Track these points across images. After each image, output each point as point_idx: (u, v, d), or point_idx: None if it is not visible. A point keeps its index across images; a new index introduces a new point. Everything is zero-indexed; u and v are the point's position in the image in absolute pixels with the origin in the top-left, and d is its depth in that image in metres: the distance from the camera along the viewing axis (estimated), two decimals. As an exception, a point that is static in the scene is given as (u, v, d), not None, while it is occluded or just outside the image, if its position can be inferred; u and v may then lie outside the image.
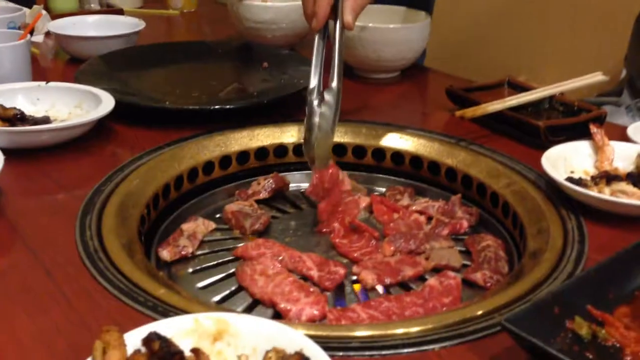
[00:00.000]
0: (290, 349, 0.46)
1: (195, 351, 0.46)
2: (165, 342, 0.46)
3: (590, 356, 0.50)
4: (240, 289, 0.69)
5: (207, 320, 0.50)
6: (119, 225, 0.70)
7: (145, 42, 1.26)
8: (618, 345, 0.51)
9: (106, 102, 0.91)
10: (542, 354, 0.48)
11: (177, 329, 0.48)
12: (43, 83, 0.98)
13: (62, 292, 0.58)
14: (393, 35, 1.13)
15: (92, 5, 1.57)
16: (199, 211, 0.85)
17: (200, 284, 0.71)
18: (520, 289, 0.60)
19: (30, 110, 0.93)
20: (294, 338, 0.48)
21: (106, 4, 1.61)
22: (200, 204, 0.87)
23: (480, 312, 0.57)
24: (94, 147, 0.88)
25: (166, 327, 0.48)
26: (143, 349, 0.46)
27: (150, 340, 0.46)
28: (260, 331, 0.49)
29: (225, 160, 0.90)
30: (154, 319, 0.53)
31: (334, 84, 0.82)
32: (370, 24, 1.13)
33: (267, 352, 0.46)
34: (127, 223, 0.71)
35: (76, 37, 1.25)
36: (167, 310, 0.56)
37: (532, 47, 0.99)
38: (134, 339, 0.47)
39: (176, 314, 0.55)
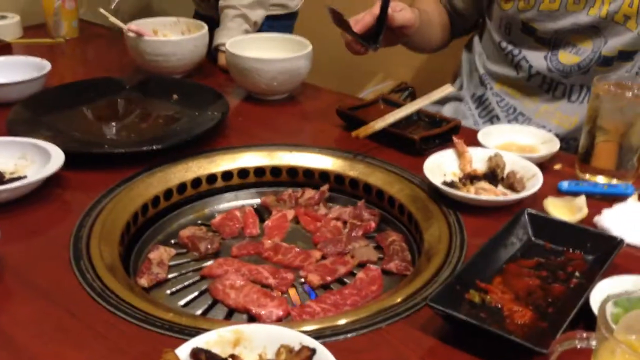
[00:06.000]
0: (293, 343, 0.66)
1: (233, 356, 0.64)
2: (208, 353, 0.63)
3: (483, 315, 0.75)
4: (215, 302, 0.87)
5: (226, 332, 0.68)
6: (108, 265, 0.85)
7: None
8: (499, 305, 0.76)
9: (52, 152, 1.03)
10: (453, 319, 0.72)
11: (206, 342, 0.66)
12: None
13: (91, 328, 0.73)
14: (287, 64, 1.33)
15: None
16: (155, 239, 1.01)
17: (181, 302, 0.87)
18: (429, 273, 0.84)
19: (-24, 167, 1.02)
20: (292, 335, 0.67)
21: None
22: (155, 233, 1.02)
23: (404, 297, 0.80)
24: (50, 196, 0.99)
25: (197, 342, 0.66)
26: (193, 361, 0.64)
27: (196, 353, 0.63)
28: (267, 334, 0.68)
29: (168, 193, 1.05)
30: (173, 338, 0.70)
31: None
32: (266, 56, 1.32)
33: (279, 347, 0.66)
34: (113, 262, 0.86)
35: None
36: (181, 329, 0.73)
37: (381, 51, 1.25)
38: (181, 355, 0.64)
39: (188, 331, 0.72)
